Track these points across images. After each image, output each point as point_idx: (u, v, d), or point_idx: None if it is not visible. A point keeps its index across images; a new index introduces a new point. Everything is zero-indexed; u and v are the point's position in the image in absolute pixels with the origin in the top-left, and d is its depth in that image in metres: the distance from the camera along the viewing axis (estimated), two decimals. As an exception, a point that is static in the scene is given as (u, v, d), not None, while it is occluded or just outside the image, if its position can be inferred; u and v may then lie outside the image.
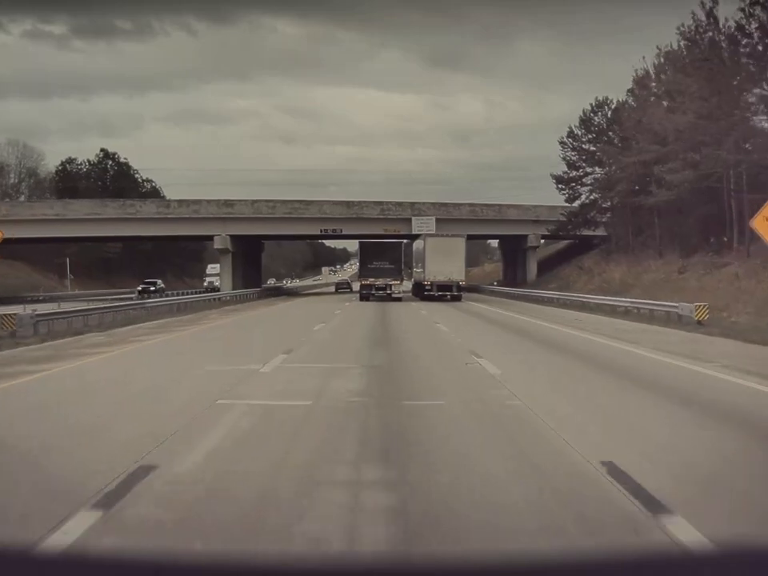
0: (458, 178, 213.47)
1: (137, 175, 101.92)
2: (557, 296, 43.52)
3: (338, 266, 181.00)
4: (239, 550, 3.84)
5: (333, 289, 74.59)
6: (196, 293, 57.55)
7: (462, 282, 43.17)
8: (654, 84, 48.37)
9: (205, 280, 69.40)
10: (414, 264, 52.62)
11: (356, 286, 56.73)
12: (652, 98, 47.11)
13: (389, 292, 43.25)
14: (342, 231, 57.26)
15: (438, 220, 58.48)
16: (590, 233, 58.09)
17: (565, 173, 58.82)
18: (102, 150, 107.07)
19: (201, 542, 4.00)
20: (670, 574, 1.72)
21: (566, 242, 70.86)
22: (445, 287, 42.23)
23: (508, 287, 61.42)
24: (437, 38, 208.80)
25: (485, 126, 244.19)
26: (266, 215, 56.01)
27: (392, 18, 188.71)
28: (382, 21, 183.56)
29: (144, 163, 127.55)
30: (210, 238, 55.34)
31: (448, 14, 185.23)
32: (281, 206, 56.65)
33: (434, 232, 57.92)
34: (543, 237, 63.61)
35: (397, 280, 44.48)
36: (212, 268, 67.56)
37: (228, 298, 50.30)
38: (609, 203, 57.85)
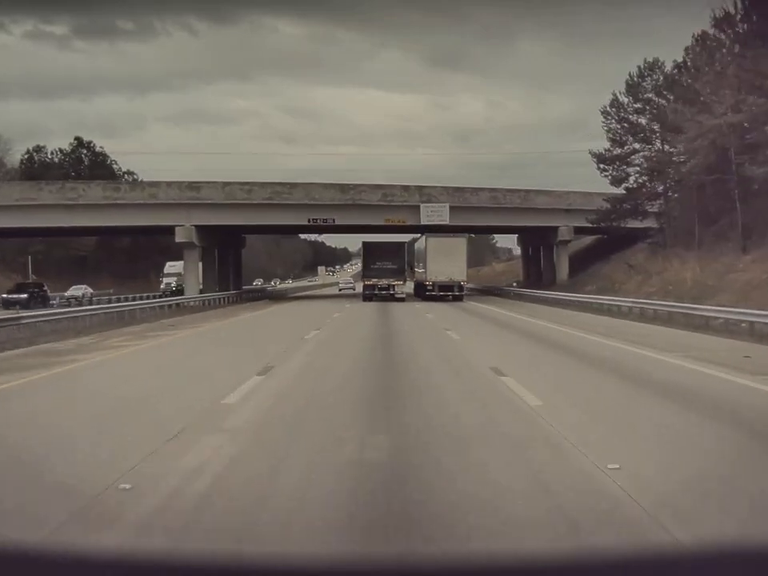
0: (459, 177, 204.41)
1: (115, 166, 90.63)
2: (614, 302, 32.79)
3: (336, 267, 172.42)
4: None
5: (327, 291, 68.44)
6: (156, 297, 46.05)
7: (463, 282, 42.85)
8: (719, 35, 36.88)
9: (162, 281, 55.93)
10: (415, 264, 49.50)
11: (359, 287, 55.64)
12: (729, 44, 35.62)
13: (392, 292, 42.96)
14: (334, 221, 45.66)
15: (452, 208, 47.02)
16: (639, 224, 46.61)
17: (607, 150, 47.20)
18: (76, 138, 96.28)
19: None
20: (669, 574, 1.69)
21: (593, 236, 59.82)
22: (446, 287, 41.59)
23: (533, 289, 50.29)
24: (437, 37, 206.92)
25: (485, 126, 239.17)
26: (241, 201, 44.39)
27: (392, 17, 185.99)
28: (382, 21, 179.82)
29: (146, 163, 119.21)
30: (171, 229, 43.80)
31: (448, 14, 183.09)
32: (259, 189, 45.02)
33: (447, 222, 46.90)
34: (577, 229, 52.11)
35: (400, 280, 44.14)
36: (171, 266, 54.99)
37: (189, 303, 39.02)
38: (662, 187, 46.39)
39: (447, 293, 41.24)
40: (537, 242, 59.18)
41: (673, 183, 44.54)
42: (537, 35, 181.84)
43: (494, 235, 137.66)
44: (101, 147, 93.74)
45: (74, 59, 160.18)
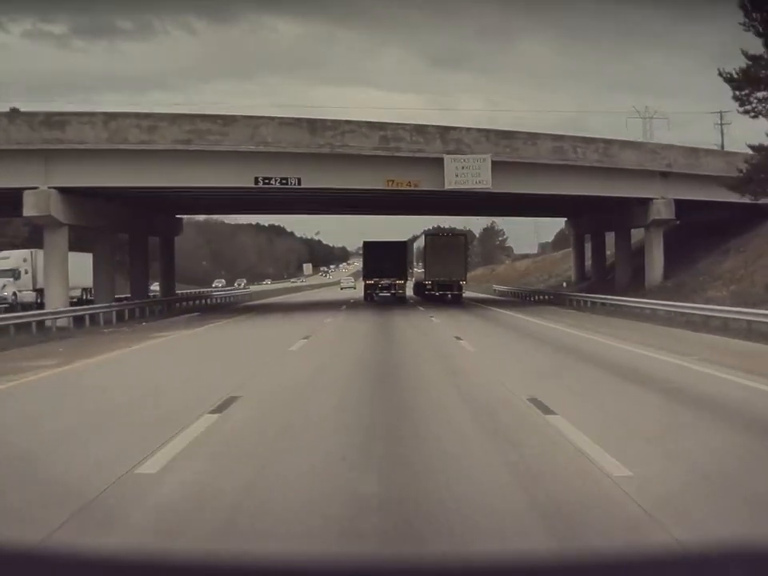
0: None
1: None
2: None
3: (331, 266, 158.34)
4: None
5: (309, 296, 57.44)
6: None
7: (462, 281, 41.42)
8: None
9: None
10: (414, 263, 49.43)
11: (359, 285, 56.18)
12: None
13: (393, 291, 42.66)
14: (299, 182, 26.11)
15: (495, 164, 27.83)
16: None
17: (749, 66, 27.92)
18: (12, 109, 77.09)
19: None
20: (669, 574, 1.65)
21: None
22: (446, 286, 40.67)
23: (606, 294, 31.93)
24: (437, 37, 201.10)
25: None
26: (136, 146, 24.94)
27: (392, 17, 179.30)
28: (382, 20, 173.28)
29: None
30: (17, 196, 24.59)
31: (448, 14, 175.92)
32: (168, 126, 25.40)
33: (489, 187, 27.99)
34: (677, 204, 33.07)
35: (401, 279, 43.30)
36: (2, 260, 34.43)
37: (55, 322, 20.16)
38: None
39: (446, 292, 40.54)
40: (604, 224, 40.21)
41: None
42: (537, 34, 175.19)
43: (504, 230, 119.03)
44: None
45: (74, 58, 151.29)
